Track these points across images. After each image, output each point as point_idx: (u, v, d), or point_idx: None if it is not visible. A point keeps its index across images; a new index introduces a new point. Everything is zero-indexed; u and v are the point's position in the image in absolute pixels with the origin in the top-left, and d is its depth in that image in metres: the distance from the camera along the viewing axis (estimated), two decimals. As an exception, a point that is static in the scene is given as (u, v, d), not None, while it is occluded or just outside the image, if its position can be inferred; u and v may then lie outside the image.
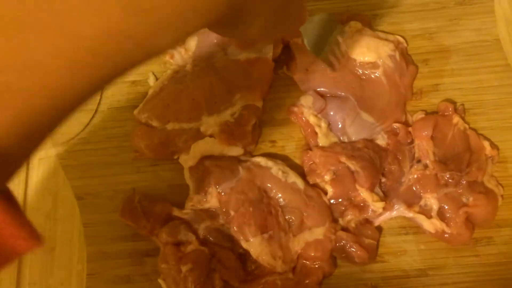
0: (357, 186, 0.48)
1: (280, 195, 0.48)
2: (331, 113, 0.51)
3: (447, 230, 0.47)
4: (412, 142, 0.50)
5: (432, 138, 0.49)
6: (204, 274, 0.45)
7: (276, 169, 0.49)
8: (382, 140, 0.50)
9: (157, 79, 0.54)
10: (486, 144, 0.50)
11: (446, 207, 0.47)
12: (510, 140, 0.51)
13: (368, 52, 0.51)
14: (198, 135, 0.50)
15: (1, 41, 0.18)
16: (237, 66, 0.53)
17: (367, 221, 0.49)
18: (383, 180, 0.49)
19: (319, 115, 0.51)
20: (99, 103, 0.54)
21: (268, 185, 0.49)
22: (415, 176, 0.49)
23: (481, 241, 0.48)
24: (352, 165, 0.48)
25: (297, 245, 0.47)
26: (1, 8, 0.18)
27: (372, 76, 0.52)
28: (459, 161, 0.49)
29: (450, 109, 0.50)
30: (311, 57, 0.51)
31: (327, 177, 0.49)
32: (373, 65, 0.52)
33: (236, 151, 0.50)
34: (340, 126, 0.51)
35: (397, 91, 0.52)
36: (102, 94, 0.54)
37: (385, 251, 0.48)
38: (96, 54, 0.20)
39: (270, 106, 0.53)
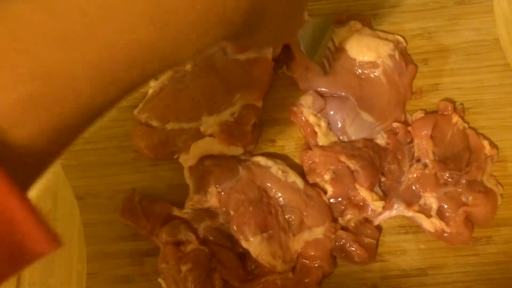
0: (357, 186, 0.48)
1: (280, 194, 0.48)
2: (331, 112, 0.51)
3: (446, 229, 0.47)
4: (411, 141, 0.50)
5: (431, 137, 0.49)
6: (204, 273, 0.45)
7: (276, 168, 0.49)
8: (381, 140, 0.50)
9: (157, 79, 0.54)
10: (485, 143, 0.50)
11: (446, 206, 0.47)
12: (510, 139, 0.51)
13: (368, 52, 0.51)
14: (198, 135, 0.50)
15: (43, 52, 0.20)
16: (237, 66, 0.53)
17: (367, 221, 0.49)
18: (383, 179, 0.49)
19: (318, 115, 0.51)
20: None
21: (268, 184, 0.49)
22: (415, 175, 0.49)
23: (480, 240, 0.48)
24: (352, 165, 0.48)
25: (297, 244, 0.47)
26: (45, 24, 0.20)
27: (372, 75, 0.52)
28: (459, 160, 0.49)
29: (450, 108, 0.51)
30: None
31: (327, 177, 0.49)
32: (373, 65, 0.52)
33: (236, 150, 0.50)
34: (340, 125, 0.51)
35: (396, 90, 0.52)
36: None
37: (384, 251, 0.48)
38: (125, 64, 0.22)
39: (270, 106, 0.53)
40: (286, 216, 0.48)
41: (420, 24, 0.55)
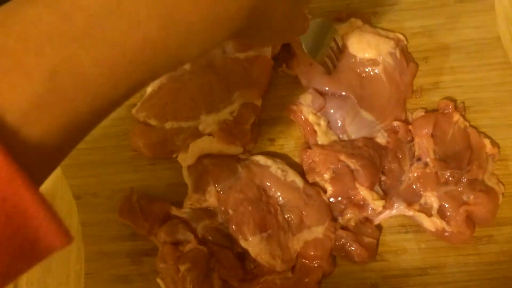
0: (357, 185, 0.48)
1: (279, 193, 0.48)
2: (331, 111, 0.51)
3: (447, 228, 0.46)
4: (412, 140, 0.50)
5: (432, 136, 0.49)
6: (202, 273, 0.45)
7: (275, 167, 0.49)
8: (382, 138, 0.50)
9: (155, 77, 0.54)
10: (486, 142, 0.49)
11: (447, 206, 0.47)
12: (511, 138, 0.50)
13: (369, 49, 0.51)
14: (197, 134, 0.50)
15: (52, 52, 0.21)
16: (236, 65, 0.52)
17: (367, 220, 0.48)
18: (383, 178, 0.49)
19: (318, 114, 0.51)
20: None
21: (267, 183, 0.48)
22: (415, 174, 0.48)
23: (481, 240, 0.48)
24: (352, 164, 0.48)
25: (296, 244, 0.47)
26: (53, 25, 0.21)
27: (372, 73, 0.52)
28: (460, 159, 0.48)
29: (451, 107, 0.50)
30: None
31: (327, 176, 0.48)
32: (373, 62, 0.51)
33: (235, 149, 0.50)
34: (339, 124, 0.51)
35: (397, 89, 0.51)
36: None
37: (385, 250, 0.48)
38: (133, 61, 0.23)
39: (269, 105, 0.53)
40: (286, 216, 0.48)
41: (420, 22, 0.54)
